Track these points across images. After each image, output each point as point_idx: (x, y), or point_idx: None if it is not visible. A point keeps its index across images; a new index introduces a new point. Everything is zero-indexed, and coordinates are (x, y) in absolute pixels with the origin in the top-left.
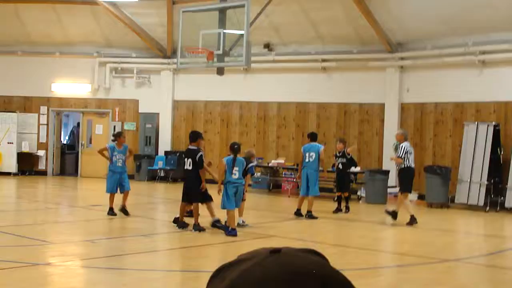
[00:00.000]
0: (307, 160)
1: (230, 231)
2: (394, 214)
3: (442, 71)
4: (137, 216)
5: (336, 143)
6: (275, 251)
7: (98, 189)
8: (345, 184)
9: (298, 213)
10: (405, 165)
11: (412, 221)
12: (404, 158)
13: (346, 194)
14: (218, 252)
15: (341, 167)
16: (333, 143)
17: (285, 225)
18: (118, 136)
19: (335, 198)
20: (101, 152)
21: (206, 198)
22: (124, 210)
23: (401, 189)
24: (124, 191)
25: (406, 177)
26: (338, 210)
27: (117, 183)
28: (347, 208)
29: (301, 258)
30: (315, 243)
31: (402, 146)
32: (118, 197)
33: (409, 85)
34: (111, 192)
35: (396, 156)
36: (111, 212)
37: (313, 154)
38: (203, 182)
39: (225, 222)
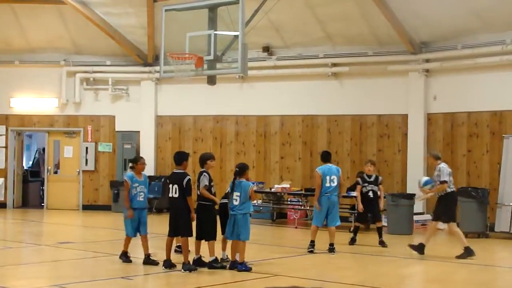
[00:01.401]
0: (328, 184)
1: (241, 266)
2: (420, 248)
3: (476, 74)
4: (114, 255)
5: (366, 165)
6: None
7: (68, 223)
8: (378, 213)
9: (313, 246)
10: (449, 190)
11: (468, 253)
12: (447, 181)
13: (380, 224)
14: None
15: (372, 196)
16: (347, 163)
17: (293, 261)
18: (136, 162)
19: (351, 229)
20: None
21: (209, 236)
22: (150, 260)
23: (438, 218)
24: (142, 235)
25: (450, 204)
26: (353, 240)
27: (137, 223)
28: (383, 243)
29: None
30: (333, 283)
31: (440, 168)
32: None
33: (437, 92)
34: (133, 236)
35: (436, 184)
36: (124, 257)
37: (334, 178)
38: (192, 212)
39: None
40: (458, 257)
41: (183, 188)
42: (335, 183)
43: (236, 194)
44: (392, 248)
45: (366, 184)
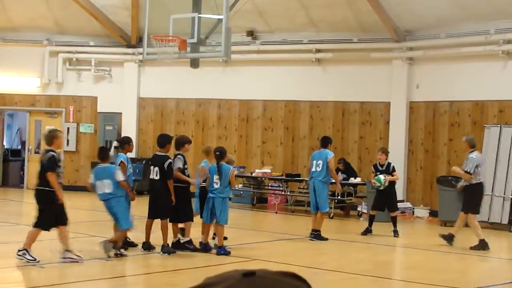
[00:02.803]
0: (313, 169)
1: (219, 250)
2: (449, 238)
3: (459, 63)
4: (94, 236)
5: (378, 153)
6: (249, 274)
7: None
8: (393, 202)
9: (317, 236)
10: (475, 181)
11: (483, 246)
12: (474, 173)
13: (394, 214)
14: (189, 278)
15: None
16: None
17: (273, 246)
18: (128, 143)
19: (331, 215)
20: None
21: (185, 217)
22: (129, 242)
23: (465, 209)
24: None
25: (475, 195)
26: (368, 231)
27: None
28: (396, 232)
29: (278, 283)
30: (308, 268)
31: (469, 158)
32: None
33: (420, 80)
34: (131, 226)
35: (463, 171)
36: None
37: (320, 163)
38: (172, 195)
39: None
40: (473, 248)
41: (164, 170)
42: (320, 168)
43: (216, 178)
44: (370, 236)
45: (378, 173)
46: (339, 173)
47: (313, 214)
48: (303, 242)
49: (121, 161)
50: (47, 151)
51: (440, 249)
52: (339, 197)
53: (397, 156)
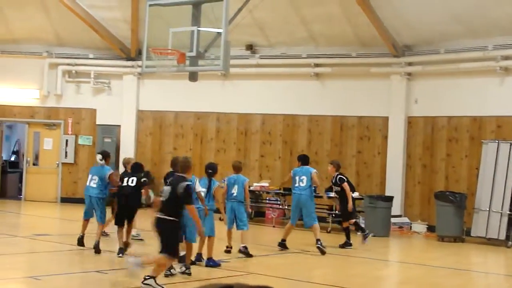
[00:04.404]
0: (297, 184)
1: (208, 262)
2: None
3: (457, 79)
4: (89, 248)
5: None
6: (226, 287)
7: (45, 216)
8: (346, 212)
9: (282, 245)
10: None
11: None
12: None
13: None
14: None
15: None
16: (326, 164)
17: (269, 260)
18: (108, 157)
19: (328, 229)
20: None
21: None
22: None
23: None
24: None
25: None
26: (347, 244)
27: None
28: (347, 244)
29: None
30: (304, 282)
31: None
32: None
33: (418, 95)
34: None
35: None
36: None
37: (304, 178)
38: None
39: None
40: None
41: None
42: (304, 183)
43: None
44: (369, 250)
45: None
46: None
47: (289, 225)
48: (300, 256)
49: (112, 172)
50: (182, 178)
51: (437, 265)
52: (336, 212)
53: (395, 171)
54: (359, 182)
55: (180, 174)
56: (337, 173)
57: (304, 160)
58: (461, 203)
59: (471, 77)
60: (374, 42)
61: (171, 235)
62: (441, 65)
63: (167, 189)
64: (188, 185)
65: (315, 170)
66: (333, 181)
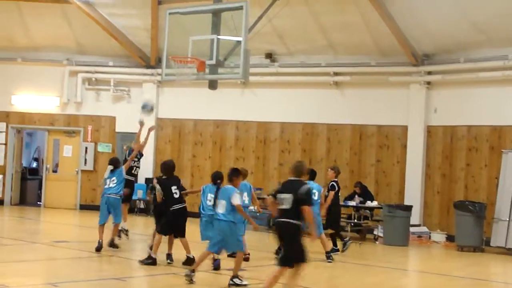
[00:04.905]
0: None
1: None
2: None
3: (477, 88)
4: (109, 256)
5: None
6: None
7: (65, 222)
8: (331, 220)
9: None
10: None
11: None
12: None
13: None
14: None
15: None
16: (346, 172)
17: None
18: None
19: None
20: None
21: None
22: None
23: None
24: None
25: None
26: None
27: None
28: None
29: None
30: None
31: None
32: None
33: (437, 104)
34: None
35: None
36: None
37: (315, 192)
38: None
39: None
40: None
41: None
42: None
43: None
44: (387, 259)
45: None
46: (356, 196)
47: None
48: (319, 265)
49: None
50: (300, 183)
51: (457, 274)
52: (355, 221)
53: (414, 180)
54: (378, 191)
55: (297, 179)
56: (335, 179)
57: (312, 174)
58: (481, 212)
59: (490, 86)
60: (394, 51)
61: (297, 239)
62: (460, 74)
63: (288, 196)
64: (309, 188)
65: (321, 188)
66: (328, 186)
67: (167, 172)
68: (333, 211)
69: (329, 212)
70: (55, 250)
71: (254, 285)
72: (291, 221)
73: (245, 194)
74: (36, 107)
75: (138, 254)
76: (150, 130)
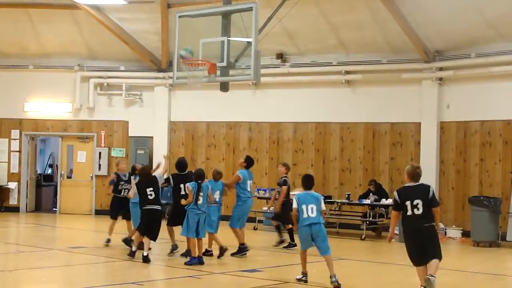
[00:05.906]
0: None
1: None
2: None
3: (489, 83)
4: (127, 260)
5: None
6: None
7: (80, 228)
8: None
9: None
10: None
11: None
12: None
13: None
14: None
15: None
16: (360, 171)
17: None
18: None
19: (363, 237)
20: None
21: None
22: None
23: None
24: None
25: None
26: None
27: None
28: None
29: None
30: None
31: None
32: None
33: (450, 100)
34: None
35: None
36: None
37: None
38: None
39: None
40: None
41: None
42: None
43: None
44: (403, 257)
45: None
46: (370, 194)
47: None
48: (336, 264)
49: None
50: (424, 186)
51: (474, 270)
52: (370, 219)
53: (428, 177)
54: (392, 188)
55: (415, 184)
56: (285, 175)
57: (248, 163)
58: (496, 207)
59: (503, 80)
60: (405, 48)
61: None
62: (472, 69)
63: (416, 202)
64: (433, 189)
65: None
66: (279, 181)
67: (180, 168)
68: (286, 206)
69: (282, 208)
70: (71, 256)
71: (276, 285)
72: (433, 224)
73: (217, 192)
74: (49, 113)
75: (155, 257)
76: (165, 158)
